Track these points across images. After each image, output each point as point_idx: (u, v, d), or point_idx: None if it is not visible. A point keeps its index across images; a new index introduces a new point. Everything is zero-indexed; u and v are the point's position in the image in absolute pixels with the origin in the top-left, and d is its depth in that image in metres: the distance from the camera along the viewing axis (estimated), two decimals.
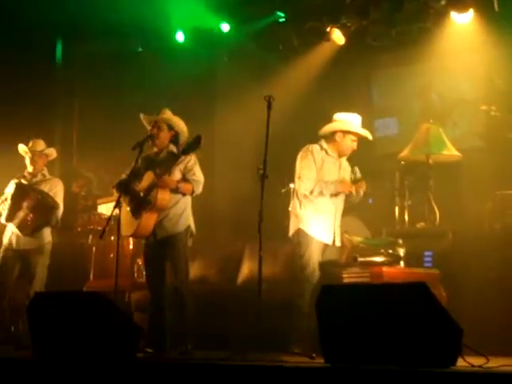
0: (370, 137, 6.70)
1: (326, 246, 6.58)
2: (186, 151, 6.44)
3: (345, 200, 6.69)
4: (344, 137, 6.63)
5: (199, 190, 6.63)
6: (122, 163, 7.03)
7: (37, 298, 6.07)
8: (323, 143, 6.66)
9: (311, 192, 6.53)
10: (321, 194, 6.51)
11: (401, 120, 9.58)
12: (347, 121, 6.64)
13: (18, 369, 5.43)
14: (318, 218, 6.52)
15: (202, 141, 6.31)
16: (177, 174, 6.54)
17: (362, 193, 6.63)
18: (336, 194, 6.56)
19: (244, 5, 9.52)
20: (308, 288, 6.37)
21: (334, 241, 6.62)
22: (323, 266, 6.52)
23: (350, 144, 6.65)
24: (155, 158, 6.70)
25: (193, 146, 6.38)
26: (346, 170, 6.76)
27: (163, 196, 6.43)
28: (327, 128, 6.69)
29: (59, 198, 7.79)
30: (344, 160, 6.75)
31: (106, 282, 7.70)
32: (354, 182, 6.60)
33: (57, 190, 7.82)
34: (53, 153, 8.03)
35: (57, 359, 5.46)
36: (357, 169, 6.64)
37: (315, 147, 6.65)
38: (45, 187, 7.79)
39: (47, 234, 7.74)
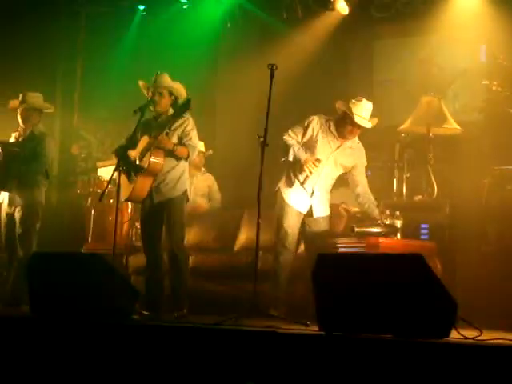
0: (367, 126, 6.56)
1: (305, 216, 6.58)
2: (175, 115, 6.51)
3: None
4: (346, 120, 6.56)
5: (194, 155, 6.74)
6: (122, 127, 7.05)
7: (35, 258, 6.13)
8: (332, 118, 6.64)
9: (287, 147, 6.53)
10: (290, 155, 6.51)
11: (401, 92, 9.57)
12: (357, 108, 6.51)
13: (15, 325, 5.49)
14: (294, 188, 6.56)
15: (192, 103, 6.40)
16: (174, 138, 6.58)
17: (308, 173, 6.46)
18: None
19: None
20: (282, 251, 6.43)
21: (311, 213, 6.60)
22: (318, 236, 6.56)
23: (348, 129, 6.55)
24: (153, 122, 6.73)
25: (182, 109, 6.47)
26: (345, 154, 6.64)
27: (156, 160, 6.47)
28: (340, 104, 6.59)
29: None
30: (349, 144, 6.65)
31: (104, 245, 7.74)
32: None
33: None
34: (47, 106, 7.83)
35: (54, 318, 5.51)
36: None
37: (317, 118, 6.60)
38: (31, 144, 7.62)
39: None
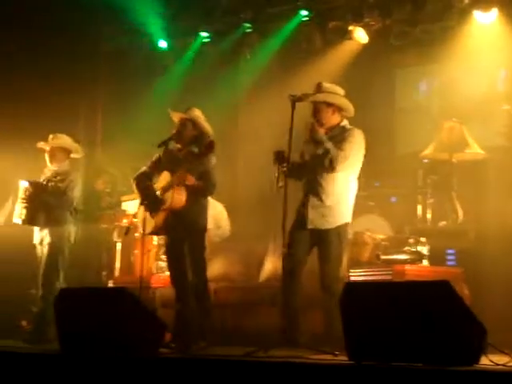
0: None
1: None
2: (199, 154, 6.56)
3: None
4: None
5: (212, 192, 6.76)
6: (147, 160, 7.09)
7: (62, 294, 6.15)
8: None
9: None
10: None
11: (423, 118, 9.58)
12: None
13: (44, 363, 5.50)
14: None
15: (216, 146, 6.50)
16: (195, 175, 6.62)
17: None
18: None
19: (268, 4, 9.58)
20: None
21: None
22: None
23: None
24: (177, 154, 6.77)
25: (206, 151, 6.53)
26: None
27: (179, 196, 6.53)
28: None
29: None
30: None
31: (131, 278, 7.79)
32: None
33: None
34: (76, 148, 8.06)
35: (82, 354, 5.52)
36: None
37: None
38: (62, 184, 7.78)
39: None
